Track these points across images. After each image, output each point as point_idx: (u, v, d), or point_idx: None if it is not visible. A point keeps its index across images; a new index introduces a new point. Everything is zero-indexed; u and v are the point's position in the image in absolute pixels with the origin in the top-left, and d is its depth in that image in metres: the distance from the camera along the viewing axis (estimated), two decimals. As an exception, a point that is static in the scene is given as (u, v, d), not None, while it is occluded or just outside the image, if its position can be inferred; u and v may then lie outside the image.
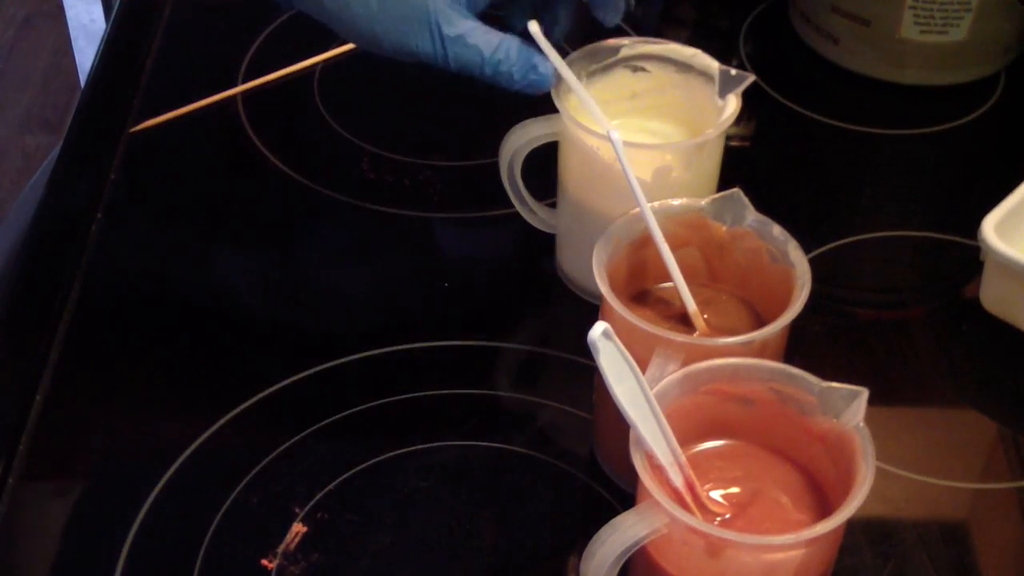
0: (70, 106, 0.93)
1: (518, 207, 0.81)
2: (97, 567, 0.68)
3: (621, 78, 0.81)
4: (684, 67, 0.80)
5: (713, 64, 0.78)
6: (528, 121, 0.78)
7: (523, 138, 0.78)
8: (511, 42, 0.74)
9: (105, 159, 0.91)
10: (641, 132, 0.81)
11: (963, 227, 0.85)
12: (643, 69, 0.81)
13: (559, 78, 0.75)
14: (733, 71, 0.77)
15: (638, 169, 0.71)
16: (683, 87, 0.80)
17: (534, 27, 0.74)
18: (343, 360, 0.78)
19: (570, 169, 0.79)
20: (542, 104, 0.77)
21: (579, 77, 0.79)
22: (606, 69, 0.81)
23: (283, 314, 0.83)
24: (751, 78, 0.76)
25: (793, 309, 0.66)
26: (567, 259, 0.83)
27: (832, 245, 0.87)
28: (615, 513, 0.59)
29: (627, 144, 0.69)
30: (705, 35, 1.05)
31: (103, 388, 0.77)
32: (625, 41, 0.81)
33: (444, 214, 0.89)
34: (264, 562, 0.68)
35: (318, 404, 0.75)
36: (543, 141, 0.78)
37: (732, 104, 0.76)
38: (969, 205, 0.85)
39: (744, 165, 0.90)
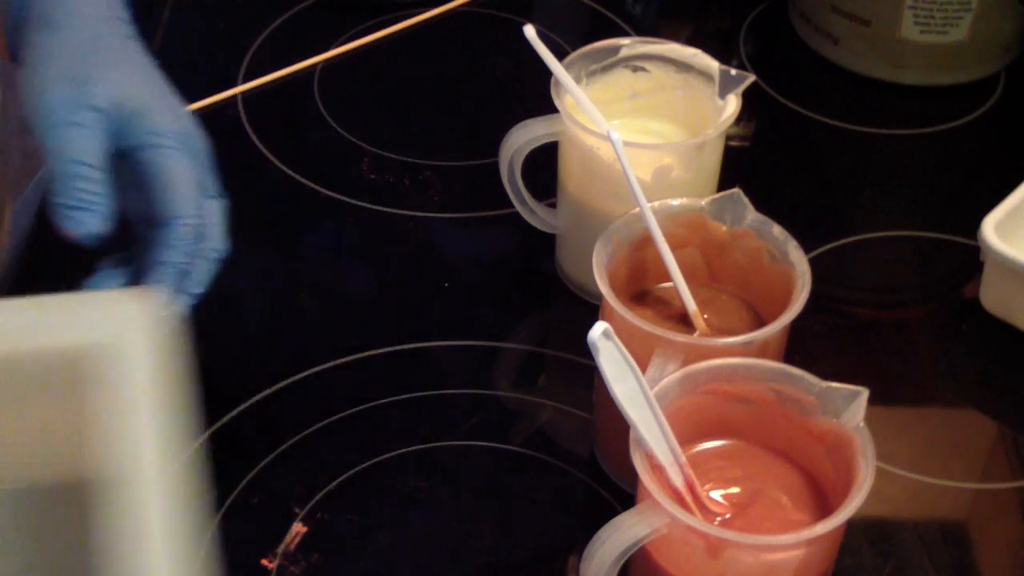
0: (70, 106, 0.93)
1: (518, 207, 0.81)
2: (97, 567, 0.68)
3: (621, 78, 0.81)
4: (684, 67, 0.80)
5: (713, 64, 0.78)
6: (528, 121, 0.78)
7: (523, 138, 0.78)
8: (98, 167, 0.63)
9: (105, 159, 0.91)
10: (641, 132, 0.81)
11: (963, 227, 0.85)
12: (643, 69, 0.81)
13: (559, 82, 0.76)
14: (733, 71, 0.77)
15: (638, 169, 0.71)
16: (683, 87, 0.80)
17: (530, 31, 0.74)
18: (343, 360, 0.78)
19: (570, 169, 0.79)
20: (542, 104, 0.77)
21: (579, 77, 0.79)
22: (606, 69, 0.81)
23: (283, 314, 0.83)
24: (751, 78, 0.76)
25: (793, 309, 0.66)
26: (567, 259, 0.83)
27: (832, 245, 0.87)
28: (615, 513, 0.59)
29: (627, 144, 0.69)
30: (705, 35, 1.05)
31: (103, 388, 0.77)
32: (625, 41, 0.81)
33: (444, 214, 0.89)
34: (264, 562, 0.68)
35: (318, 404, 0.75)
36: (543, 141, 0.78)
37: (732, 104, 0.76)
38: (969, 205, 0.85)
39: (744, 165, 0.90)
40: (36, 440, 0.52)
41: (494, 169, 0.80)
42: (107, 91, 0.64)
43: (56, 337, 0.50)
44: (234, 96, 0.97)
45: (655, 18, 1.07)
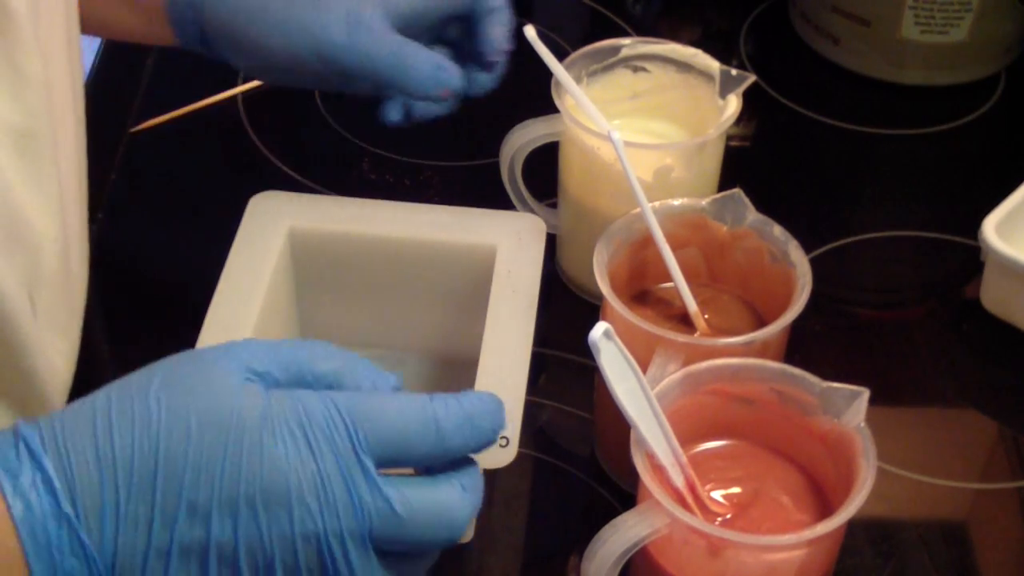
0: (70, 106, 0.94)
1: (519, 207, 0.81)
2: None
3: (622, 78, 0.81)
4: (684, 67, 0.80)
5: (713, 64, 0.78)
6: (529, 121, 0.78)
7: (524, 138, 0.78)
8: (418, 45, 0.73)
9: (105, 159, 0.91)
10: (642, 132, 0.81)
11: (963, 227, 0.85)
12: (643, 69, 0.81)
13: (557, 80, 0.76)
14: (733, 71, 0.77)
15: (639, 169, 0.71)
16: (683, 87, 0.80)
17: (530, 31, 0.74)
18: (343, 360, 0.78)
19: (571, 169, 0.79)
20: (543, 104, 0.77)
21: (579, 77, 0.79)
22: (607, 69, 0.81)
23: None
24: (751, 78, 0.76)
25: (794, 309, 0.66)
26: (568, 259, 0.83)
27: (832, 245, 0.87)
28: (616, 513, 0.59)
29: (627, 144, 0.69)
30: (705, 35, 1.05)
31: (103, 388, 0.77)
32: (625, 41, 0.81)
33: (444, 214, 0.88)
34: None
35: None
36: (544, 141, 0.78)
37: (733, 104, 0.76)
38: (969, 205, 0.85)
39: (744, 165, 0.90)
40: (441, 318, 0.75)
41: (494, 169, 0.80)
42: None
43: (465, 236, 0.72)
44: (234, 96, 0.97)
45: (656, 18, 1.07)
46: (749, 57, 1.02)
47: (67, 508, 0.46)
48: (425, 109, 0.76)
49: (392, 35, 0.72)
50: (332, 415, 0.48)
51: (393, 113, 0.75)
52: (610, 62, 0.81)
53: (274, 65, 0.74)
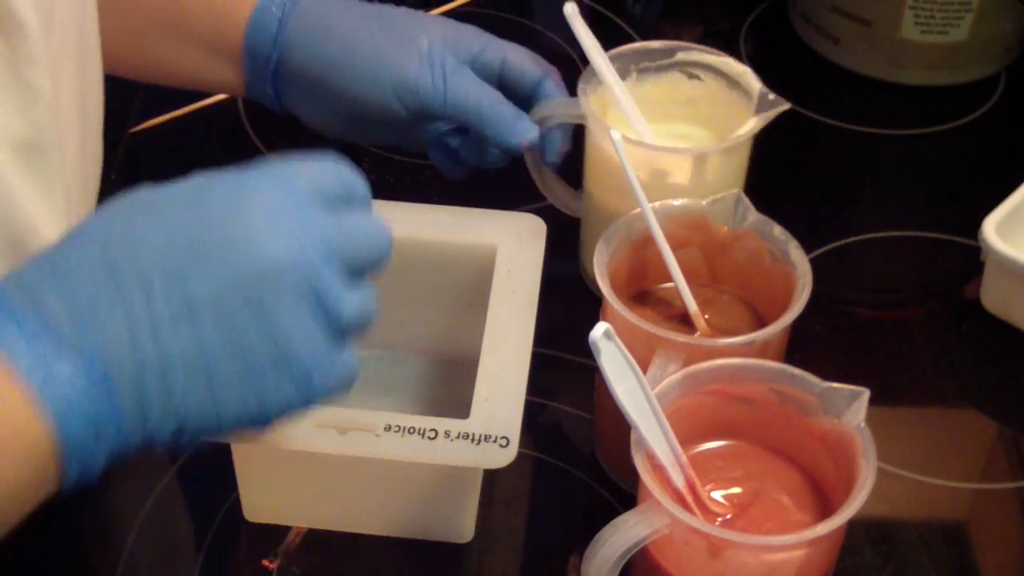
0: (70, 106, 0.94)
1: (539, 186, 0.81)
2: (99, 567, 0.68)
3: (676, 82, 0.80)
4: (733, 83, 0.79)
5: (756, 85, 0.77)
6: (549, 101, 0.77)
7: (541, 113, 0.77)
8: (500, 94, 0.75)
9: (105, 159, 0.91)
10: (682, 139, 0.81)
11: (963, 227, 0.85)
12: (697, 77, 0.80)
13: (592, 73, 0.75)
14: (771, 95, 0.75)
15: (651, 172, 0.71)
16: (727, 103, 0.79)
17: (569, 7, 0.74)
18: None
19: (595, 172, 0.79)
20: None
21: (626, 71, 0.79)
22: (660, 70, 0.80)
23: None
24: (785, 105, 0.75)
25: (794, 309, 0.66)
26: (591, 260, 0.82)
27: (832, 245, 0.87)
28: (616, 513, 0.59)
29: (628, 141, 0.69)
30: (706, 35, 1.05)
31: (104, 388, 0.77)
32: (682, 45, 0.80)
33: (444, 214, 0.88)
34: (265, 562, 0.68)
35: (319, 404, 0.75)
36: (562, 121, 0.77)
37: (750, 124, 0.74)
38: (969, 205, 0.85)
39: (744, 165, 0.90)
40: (441, 318, 0.75)
41: (494, 169, 0.80)
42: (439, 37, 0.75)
43: (465, 236, 0.72)
44: (234, 96, 0.96)
45: (656, 18, 1.07)
46: (749, 57, 1.02)
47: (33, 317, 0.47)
48: (476, 157, 0.78)
49: (477, 81, 0.74)
50: (267, 169, 0.52)
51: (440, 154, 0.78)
52: (663, 63, 0.80)
53: (348, 114, 0.76)
